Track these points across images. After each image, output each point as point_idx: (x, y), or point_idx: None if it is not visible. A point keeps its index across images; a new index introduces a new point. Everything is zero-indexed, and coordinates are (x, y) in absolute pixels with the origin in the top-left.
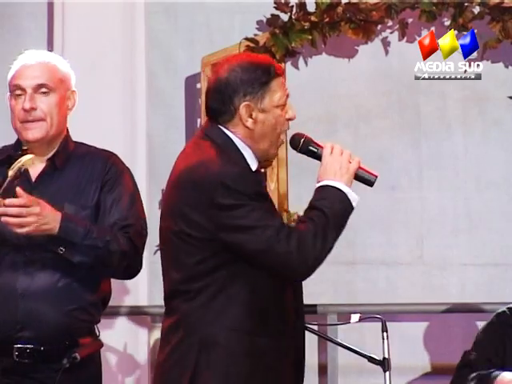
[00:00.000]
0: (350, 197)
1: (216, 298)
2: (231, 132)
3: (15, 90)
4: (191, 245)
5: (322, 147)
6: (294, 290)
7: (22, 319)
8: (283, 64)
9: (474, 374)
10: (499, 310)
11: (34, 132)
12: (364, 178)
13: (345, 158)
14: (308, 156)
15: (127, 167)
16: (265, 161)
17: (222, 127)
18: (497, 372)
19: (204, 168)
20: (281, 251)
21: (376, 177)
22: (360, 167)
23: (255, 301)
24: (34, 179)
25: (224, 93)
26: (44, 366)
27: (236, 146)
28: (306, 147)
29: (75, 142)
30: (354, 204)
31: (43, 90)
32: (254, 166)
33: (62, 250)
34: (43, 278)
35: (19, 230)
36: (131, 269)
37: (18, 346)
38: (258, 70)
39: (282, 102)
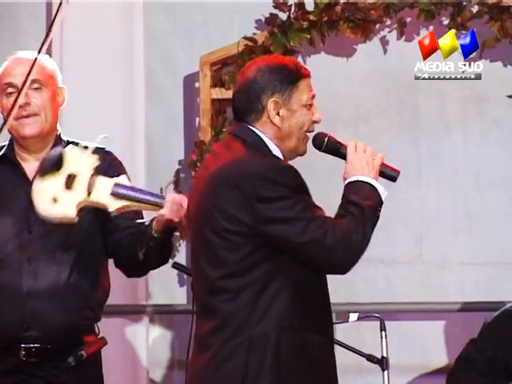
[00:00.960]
0: (379, 191)
1: (261, 294)
2: (260, 131)
3: (6, 88)
4: (233, 241)
5: (345, 146)
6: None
7: (29, 318)
8: None
9: None
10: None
11: (31, 128)
12: (387, 174)
13: (368, 154)
14: (332, 155)
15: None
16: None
17: (250, 127)
18: None
19: (241, 164)
20: (326, 244)
21: (398, 172)
22: (383, 163)
23: (300, 295)
24: (30, 177)
25: (251, 92)
26: (50, 364)
27: (266, 144)
28: (331, 146)
29: (66, 140)
30: (383, 198)
31: (35, 85)
32: None
33: (152, 244)
34: (48, 277)
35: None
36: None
37: (25, 345)
38: (286, 70)
39: (309, 102)
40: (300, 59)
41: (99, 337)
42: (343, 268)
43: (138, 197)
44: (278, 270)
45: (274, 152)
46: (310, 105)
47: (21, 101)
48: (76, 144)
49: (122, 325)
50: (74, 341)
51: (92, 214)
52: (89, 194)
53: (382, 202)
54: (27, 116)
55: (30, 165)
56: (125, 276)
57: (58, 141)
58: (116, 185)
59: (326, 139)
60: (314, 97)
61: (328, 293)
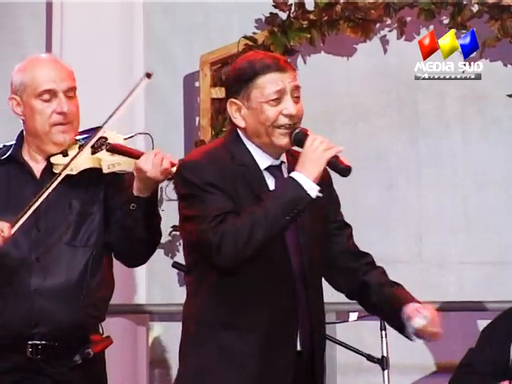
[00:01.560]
0: (305, 186)
1: (198, 290)
2: (239, 130)
3: (43, 94)
4: (183, 239)
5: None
6: (293, 290)
7: (36, 316)
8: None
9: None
10: (506, 308)
11: (66, 136)
12: (337, 168)
13: (320, 148)
14: (300, 147)
15: None
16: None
17: (236, 126)
18: None
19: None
20: (204, 243)
21: (348, 168)
22: (335, 157)
23: (233, 293)
24: (38, 176)
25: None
26: (56, 362)
27: (243, 143)
28: (297, 138)
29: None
30: (311, 193)
31: (70, 93)
32: (263, 161)
33: (133, 207)
34: (56, 275)
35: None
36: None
37: (32, 342)
38: (244, 68)
39: (272, 97)
40: (300, 59)
41: (104, 336)
42: (221, 267)
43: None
44: (208, 268)
45: (251, 150)
46: (276, 99)
47: (65, 109)
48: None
49: (122, 325)
50: (81, 339)
51: (100, 212)
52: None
53: (309, 196)
54: (66, 123)
55: (38, 164)
56: (125, 276)
57: None
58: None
59: (294, 131)
60: (283, 91)
61: (283, 299)
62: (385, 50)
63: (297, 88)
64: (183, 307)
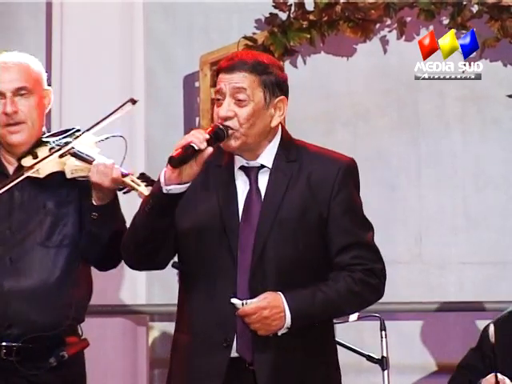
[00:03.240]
0: (162, 180)
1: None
2: None
3: None
4: None
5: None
6: (234, 293)
7: (10, 317)
8: (281, 62)
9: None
10: (510, 308)
11: (18, 136)
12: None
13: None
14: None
15: None
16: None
17: None
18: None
19: None
20: None
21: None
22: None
23: (185, 298)
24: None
25: None
26: (31, 364)
27: None
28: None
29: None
30: (163, 189)
31: (22, 93)
32: (238, 161)
33: (94, 216)
34: (30, 276)
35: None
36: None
37: (6, 343)
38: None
39: (215, 97)
40: (300, 59)
41: (82, 338)
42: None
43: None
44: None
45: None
46: (217, 99)
47: (8, 109)
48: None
49: (121, 325)
50: (56, 341)
51: (75, 213)
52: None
53: (158, 194)
54: (14, 124)
55: (11, 165)
56: (125, 276)
57: (39, 141)
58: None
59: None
60: (220, 92)
61: (222, 305)
62: (385, 50)
63: (239, 90)
64: None
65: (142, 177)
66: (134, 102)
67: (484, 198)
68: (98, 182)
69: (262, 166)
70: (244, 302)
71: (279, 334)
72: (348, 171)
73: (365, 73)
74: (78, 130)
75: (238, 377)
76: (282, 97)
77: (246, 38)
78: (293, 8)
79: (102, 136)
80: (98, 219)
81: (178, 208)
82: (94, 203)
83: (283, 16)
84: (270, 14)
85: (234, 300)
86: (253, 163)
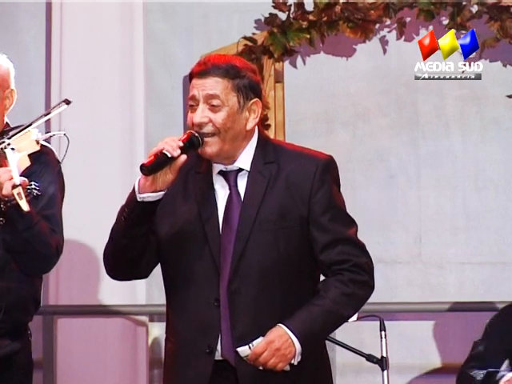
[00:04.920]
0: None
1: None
2: None
3: None
4: None
5: None
6: (216, 297)
7: None
8: (280, 63)
9: (484, 371)
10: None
11: None
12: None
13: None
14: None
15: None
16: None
17: None
18: (503, 373)
19: None
20: None
21: (144, 165)
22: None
23: (170, 306)
24: None
25: None
26: None
27: None
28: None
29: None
30: (138, 197)
31: None
32: (217, 166)
33: (2, 221)
34: None
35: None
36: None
37: None
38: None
39: (188, 103)
40: (300, 59)
41: (17, 340)
42: (110, 276)
43: None
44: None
45: None
46: (191, 105)
47: None
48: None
49: (122, 325)
50: None
51: None
52: None
53: (133, 201)
54: None
55: None
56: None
57: None
58: None
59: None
60: (193, 98)
61: (198, 312)
62: (384, 51)
63: (212, 96)
64: None
65: (28, 190)
66: (68, 102)
67: (484, 198)
68: None
69: (241, 170)
70: (250, 345)
71: (295, 363)
72: (326, 168)
73: (364, 73)
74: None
75: (222, 377)
76: (256, 99)
77: (245, 38)
78: (292, 8)
79: (46, 135)
80: (6, 225)
81: (158, 216)
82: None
83: (283, 16)
84: (270, 14)
85: (239, 349)
86: (231, 167)
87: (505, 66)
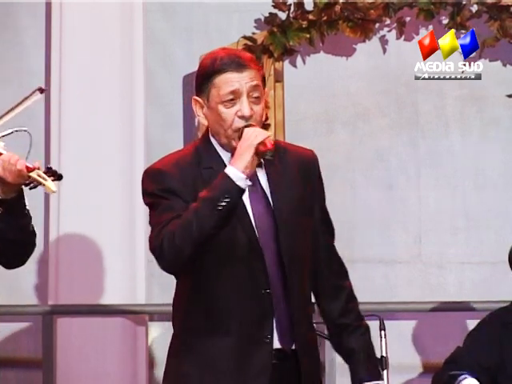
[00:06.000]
0: (233, 177)
1: (178, 297)
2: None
3: None
4: None
5: None
6: (267, 287)
7: None
8: (280, 62)
9: (448, 373)
10: (493, 311)
11: None
12: (262, 154)
13: (250, 138)
14: None
15: None
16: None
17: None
18: (463, 377)
19: None
20: (151, 250)
21: (268, 150)
22: (261, 143)
23: (207, 298)
24: None
25: None
26: None
27: (212, 142)
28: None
29: None
30: (240, 184)
31: None
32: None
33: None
34: None
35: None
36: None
37: None
38: (206, 65)
39: (225, 99)
40: (299, 59)
41: None
42: (166, 270)
43: None
44: (183, 275)
45: (219, 150)
46: (231, 100)
47: None
48: None
49: (121, 325)
50: None
51: None
52: None
53: (237, 187)
54: None
55: None
56: (124, 276)
57: None
58: None
59: (239, 130)
60: (237, 92)
61: (240, 306)
62: (384, 50)
63: (255, 88)
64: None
65: (49, 171)
66: (42, 90)
67: (483, 198)
68: (1, 175)
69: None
70: None
71: None
72: (318, 163)
73: (364, 73)
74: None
75: (282, 366)
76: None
77: (245, 37)
78: (292, 8)
79: (7, 131)
80: (3, 214)
81: None
82: None
83: (283, 16)
84: (270, 13)
85: None
86: None
87: (505, 65)
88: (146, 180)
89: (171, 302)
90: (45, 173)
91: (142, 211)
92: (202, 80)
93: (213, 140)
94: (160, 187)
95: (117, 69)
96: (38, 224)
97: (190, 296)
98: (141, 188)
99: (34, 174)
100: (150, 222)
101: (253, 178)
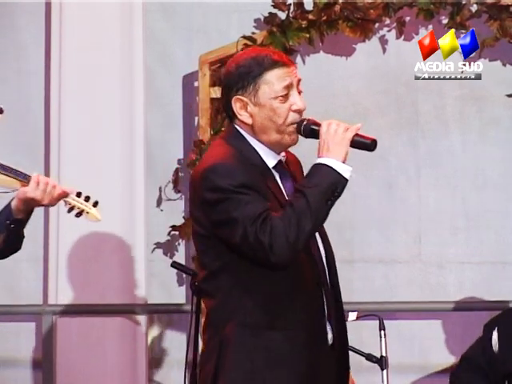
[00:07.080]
0: (339, 169)
1: (231, 293)
2: (241, 128)
3: None
4: (204, 244)
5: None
6: (319, 286)
7: None
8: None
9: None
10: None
11: None
12: (361, 144)
13: (339, 130)
14: (313, 138)
15: None
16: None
17: (235, 125)
18: None
19: (200, 166)
20: (255, 245)
21: (372, 140)
22: (357, 134)
23: (269, 293)
24: None
25: (224, 92)
26: None
27: (248, 141)
28: (307, 129)
29: None
30: (346, 175)
31: None
32: (270, 160)
33: (13, 227)
34: None
35: None
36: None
37: None
38: (250, 64)
39: (281, 93)
40: (299, 58)
41: None
42: (276, 264)
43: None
44: (246, 269)
45: (258, 149)
46: (285, 95)
47: None
48: None
49: (121, 324)
50: None
51: None
52: None
53: (344, 179)
54: None
55: None
56: (124, 276)
57: None
58: None
59: (302, 124)
60: (290, 85)
61: (314, 295)
62: (384, 50)
63: (299, 81)
64: (211, 311)
65: (79, 196)
66: (1, 111)
67: (483, 198)
68: (37, 198)
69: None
70: None
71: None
72: None
73: (364, 72)
74: None
75: (334, 363)
76: None
77: (245, 37)
78: (292, 8)
79: None
80: (15, 229)
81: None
82: (14, 215)
83: (282, 16)
84: (269, 13)
85: None
86: (281, 158)
87: (504, 65)
88: (214, 176)
89: (171, 301)
90: (76, 197)
91: (142, 211)
92: (246, 79)
93: (249, 137)
94: (235, 183)
95: (116, 69)
96: (38, 224)
97: (252, 293)
98: (201, 185)
99: (71, 200)
100: (222, 218)
101: (288, 177)
